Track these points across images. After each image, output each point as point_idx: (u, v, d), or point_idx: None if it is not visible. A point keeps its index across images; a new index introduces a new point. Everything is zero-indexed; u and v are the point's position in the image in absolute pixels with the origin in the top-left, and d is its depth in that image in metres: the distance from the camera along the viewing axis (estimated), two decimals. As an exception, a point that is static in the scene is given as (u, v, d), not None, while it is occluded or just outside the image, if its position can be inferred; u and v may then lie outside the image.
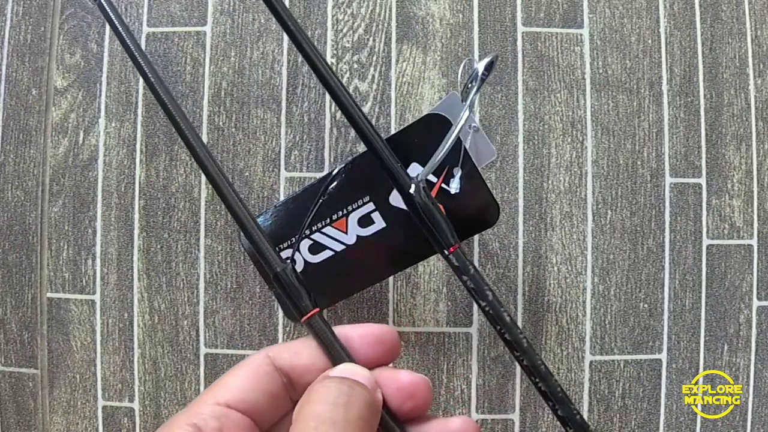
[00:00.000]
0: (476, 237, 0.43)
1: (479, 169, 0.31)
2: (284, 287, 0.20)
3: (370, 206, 0.32)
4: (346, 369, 0.18)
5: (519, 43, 0.43)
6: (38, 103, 0.44)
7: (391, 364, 0.20)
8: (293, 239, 0.33)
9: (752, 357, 0.43)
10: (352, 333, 0.20)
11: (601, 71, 0.43)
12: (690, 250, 0.43)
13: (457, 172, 0.31)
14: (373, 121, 0.43)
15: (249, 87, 0.43)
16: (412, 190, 0.22)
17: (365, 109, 0.43)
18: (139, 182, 0.43)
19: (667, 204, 0.43)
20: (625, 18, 0.44)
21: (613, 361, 0.42)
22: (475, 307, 0.42)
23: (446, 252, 0.21)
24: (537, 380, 0.19)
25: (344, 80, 0.43)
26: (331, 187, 0.29)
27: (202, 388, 0.44)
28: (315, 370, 0.19)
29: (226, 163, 0.43)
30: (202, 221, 0.43)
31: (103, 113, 0.44)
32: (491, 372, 0.42)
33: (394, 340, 0.20)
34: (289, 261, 0.21)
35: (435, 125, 0.31)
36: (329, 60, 0.43)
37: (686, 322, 0.43)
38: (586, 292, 0.43)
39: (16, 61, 0.44)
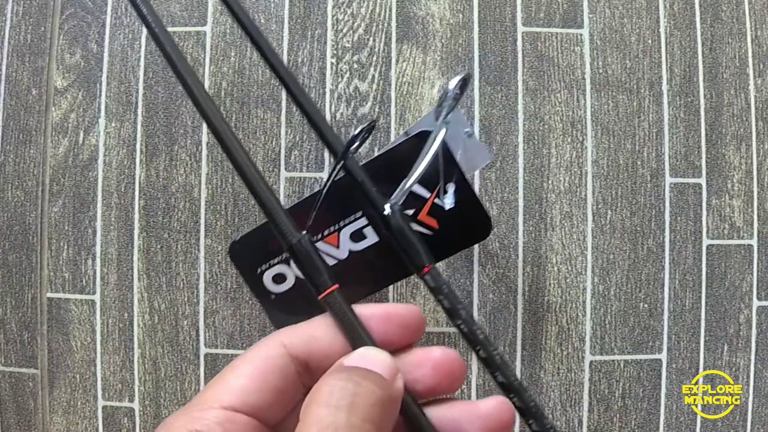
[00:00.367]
0: (476, 237, 0.43)
1: (470, 180, 0.31)
2: (300, 261, 0.18)
3: (363, 221, 0.32)
4: (363, 354, 0.17)
5: (519, 43, 0.43)
6: (38, 103, 0.44)
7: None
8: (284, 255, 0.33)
9: (752, 357, 0.43)
10: (376, 312, 0.18)
11: (601, 71, 0.43)
12: (690, 250, 0.43)
13: (450, 187, 0.31)
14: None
15: (249, 87, 0.43)
16: (386, 212, 0.22)
17: (365, 109, 0.43)
18: (139, 182, 0.43)
19: (667, 204, 0.43)
20: (625, 18, 0.44)
21: (613, 361, 0.42)
22: (475, 306, 0.42)
23: (422, 273, 0.21)
24: (512, 396, 0.19)
25: (344, 80, 0.43)
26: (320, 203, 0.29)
27: (202, 387, 0.43)
28: (334, 354, 0.17)
29: (226, 163, 0.43)
30: (202, 221, 0.43)
31: (103, 113, 0.44)
32: (491, 372, 0.42)
33: (420, 322, 0.18)
34: (305, 233, 0.19)
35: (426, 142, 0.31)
36: (329, 60, 0.43)
37: (686, 322, 0.43)
38: (586, 292, 0.42)
39: (16, 61, 0.44)
